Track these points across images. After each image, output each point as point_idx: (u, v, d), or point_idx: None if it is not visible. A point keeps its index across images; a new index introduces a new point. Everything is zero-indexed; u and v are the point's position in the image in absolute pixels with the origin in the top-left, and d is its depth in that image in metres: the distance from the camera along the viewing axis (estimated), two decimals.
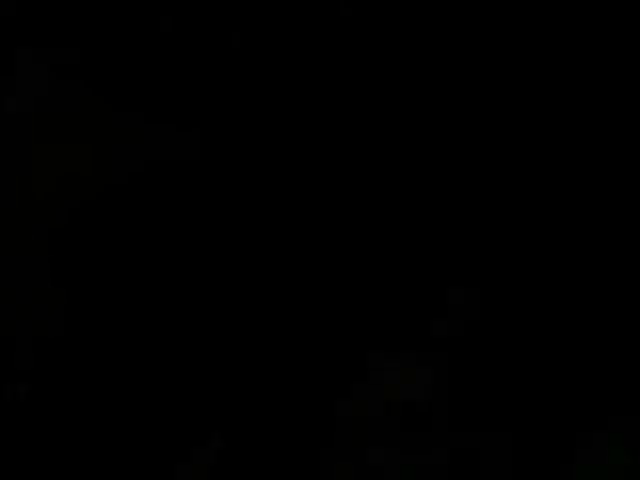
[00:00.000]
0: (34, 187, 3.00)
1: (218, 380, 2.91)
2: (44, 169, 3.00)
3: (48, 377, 2.89)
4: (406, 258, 3.00)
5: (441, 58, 3.07)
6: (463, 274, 2.98)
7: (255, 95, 3.07)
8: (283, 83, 3.07)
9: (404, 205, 3.03)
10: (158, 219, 2.98)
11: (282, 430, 2.88)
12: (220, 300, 2.95)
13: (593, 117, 3.06)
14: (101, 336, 2.92)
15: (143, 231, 2.98)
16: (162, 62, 3.06)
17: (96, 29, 3.07)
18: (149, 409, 2.88)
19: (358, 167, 3.04)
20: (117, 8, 3.08)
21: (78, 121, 3.03)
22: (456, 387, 2.91)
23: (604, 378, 2.91)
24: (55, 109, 3.04)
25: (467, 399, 2.90)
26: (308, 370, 2.92)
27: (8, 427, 2.86)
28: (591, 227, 3.01)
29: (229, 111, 3.06)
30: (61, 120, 3.03)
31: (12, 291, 2.94)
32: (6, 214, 2.98)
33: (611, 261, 2.99)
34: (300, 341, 2.94)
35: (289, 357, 2.93)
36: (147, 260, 2.96)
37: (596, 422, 2.88)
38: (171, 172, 3.01)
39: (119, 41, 3.07)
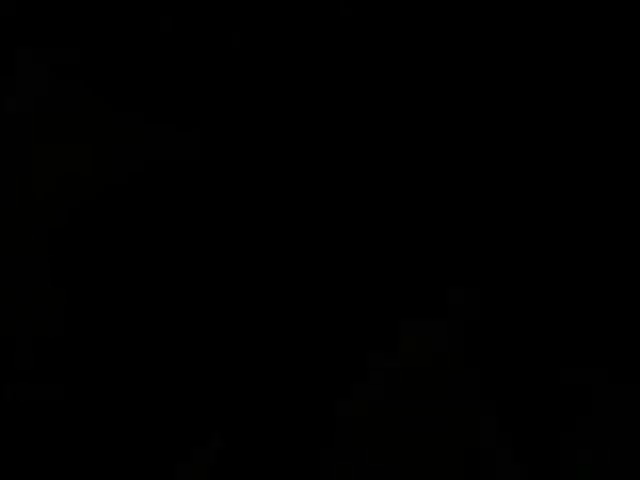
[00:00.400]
0: (34, 187, 3.00)
1: (218, 380, 2.91)
2: (44, 169, 3.00)
3: (48, 377, 2.89)
4: (406, 258, 3.00)
5: (441, 58, 3.08)
6: (463, 274, 2.99)
7: (255, 95, 3.07)
8: (283, 83, 3.07)
9: (404, 205, 3.03)
10: (158, 219, 2.99)
11: (282, 430, 2.88)
12: (220, 300, 2.95)
13: (593, 117, 3.06)
14: (101, 336, 2.92)
15: (143, 231, 2.98)
16: (162, 62, 3.07)
17: (96, 29, 3.07)
18: (149, 409, 2.88)
19: (358, 167, 3.04)
20: (117, 8, 3.08)
21: (78, 121, 3.04)
22: (457, 386, 2.91)
23: (604, 378, 2.92)
24: (55, 109, 3.04)
25: (467, 398, 2.90)
26: (308, 370, 2.92)
27: (8, 427, 2.86)
28: (591, 227, 3.01)
29: (229, 111, 3.06)
30: (61, 120, 3.03)
31: (12, 291, 2.94)
32: (6, 214, 2.98)
33: (611, 261, 2.99)
34: (300, 341, 2.94)
35: (289, 357, 2.93)
36: (147, 260, 2.96)
37: (597, 422, 2.88)
38: (171, 172, 3.01)
39: (119, 41, 3.07)
